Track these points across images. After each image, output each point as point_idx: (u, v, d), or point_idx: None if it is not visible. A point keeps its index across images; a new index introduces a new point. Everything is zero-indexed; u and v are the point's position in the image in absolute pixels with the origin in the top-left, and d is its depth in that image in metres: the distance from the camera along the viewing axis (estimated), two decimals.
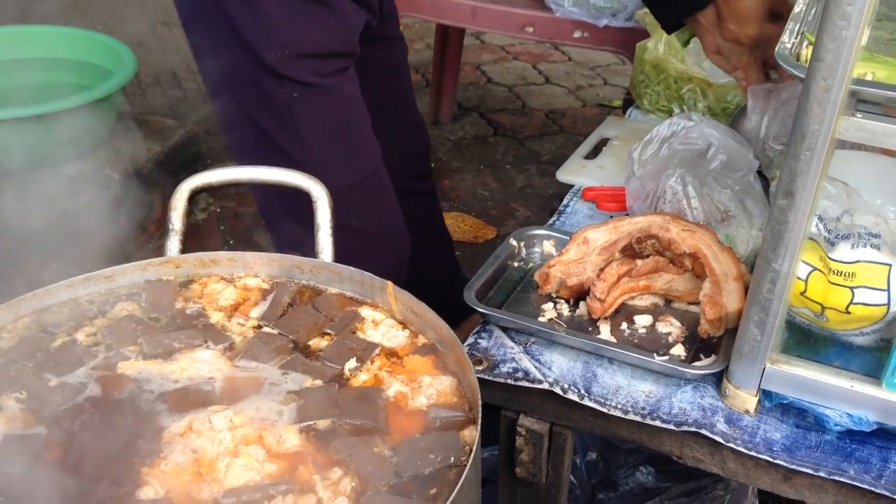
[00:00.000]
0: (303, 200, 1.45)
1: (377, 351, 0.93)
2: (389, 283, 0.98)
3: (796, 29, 1.09)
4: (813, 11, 1.18)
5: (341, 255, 1.64)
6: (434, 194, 2.10)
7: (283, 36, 1.46)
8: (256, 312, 0.99)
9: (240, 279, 1.03)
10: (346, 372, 0.91)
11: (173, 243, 1.04)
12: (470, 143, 3.51)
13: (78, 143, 2.57)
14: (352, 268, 1.00)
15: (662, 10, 1.60)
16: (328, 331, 0.96)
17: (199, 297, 1.01)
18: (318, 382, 0.89)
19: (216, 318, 0.98)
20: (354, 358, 0.91)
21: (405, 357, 0.93)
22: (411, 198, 1.93)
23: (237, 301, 1.00)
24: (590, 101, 3.94)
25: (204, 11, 1.53)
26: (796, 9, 1.16)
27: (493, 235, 2.96)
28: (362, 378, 0.90)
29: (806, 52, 1.07)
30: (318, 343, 0.95)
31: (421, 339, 0.96)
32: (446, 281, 2.14)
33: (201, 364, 0.89)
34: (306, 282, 1.03)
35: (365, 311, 0.99)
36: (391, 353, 0.94)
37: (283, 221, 1.64)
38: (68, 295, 0.99)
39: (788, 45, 1.05)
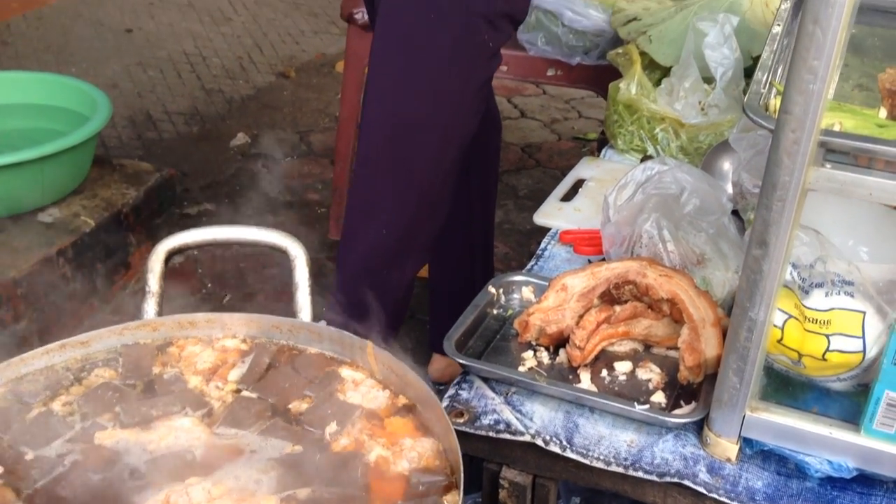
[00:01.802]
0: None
1: (358, 413, 0.92)
2: (369, 343, 0.97)
3: (764, 79, 1.11)
4: (780, 60, 1.20)
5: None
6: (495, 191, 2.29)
7: None
8: (235, 375, 0.98)
9: (218, 341, 1.03)
10: (327, 436, 0.90)
11: (150, 306, 1.03)
12: None
13: (53, 190, 2.56)
14: (331, 328, 1.00)
15: None
16: (308, 393, 0.96)
17: (177, 361, 1.00)
18: (299, 448, 0.88)
19: (194, 382, 0.97)
20: (335, 422, 0.91)
21: (386, 419, 0.92)
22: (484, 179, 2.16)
23: (215, 364, 0.99)
24: (565, 134, 3.97)
25: None
26: (764, 55, 1.18)
27: None
28: (343, 442, 0.90)
29: (774, 102, 1.09)
30: (298, 406, 0.94)
31: (401, 400, 0.95)
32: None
33: (179, 433, 0.88)
34: (285, 342, 1.03)
35: (345, 372, 0.98)
36: (372, 415, 0.93)
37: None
38: (44, 362, 0.98)
39: (757, 95, 1.07)
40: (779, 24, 1.30)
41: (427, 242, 1.88)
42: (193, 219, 3.22)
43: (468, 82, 1.73)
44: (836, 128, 0.99)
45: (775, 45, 1.19)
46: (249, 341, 1.03)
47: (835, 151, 0.97)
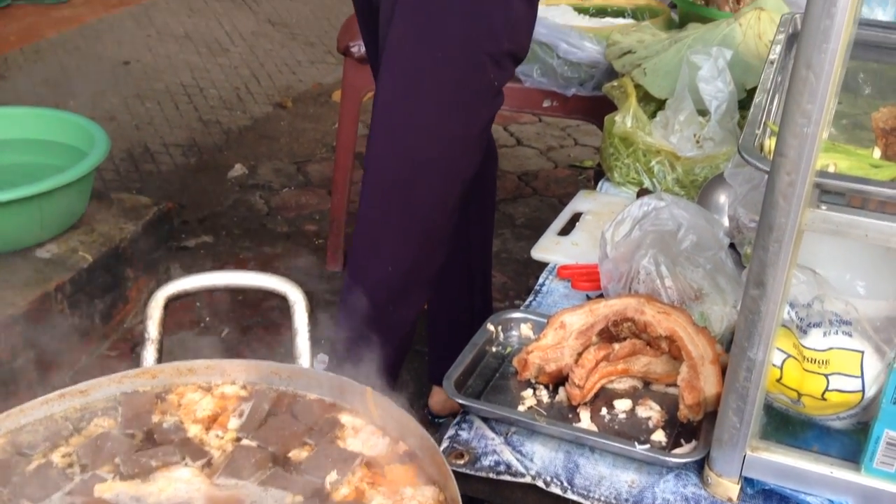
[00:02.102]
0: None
1: (358, 461, 0.92)
2: (368, 388, 0.97)
3: (759, 119, 1.12)
4: (775, 100, 1.21)
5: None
6: (493, 217, 2.31)
7: (516, 34, 1.71)
8: (235, 423, 0.98)
9: (217, 387, 1.02)
10: (327, 486, 0.90)
11: (149, 353, 1.03)
12: None
13: (51, 225, 2.56)
14: (330, 374, 1.00)
15: None
16: (308, 440, 0.96)
17: (177, 409, 1.00)
18: (299, 498, 0.88)
19: (194, 431, 0.97)
20: (335, 470, 0.90)
21: (386, 466, 0.92)
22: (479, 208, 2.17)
23: (215, 411, 0.99)
24: (561, 162, 3.99)
25: None
26: (757, 98, 1.19)
27: None
28: (343, 492, 0.89)
29: (769, 143, 1.09)
30: (298, 454, 0.94)
31: (401, 446, 0.95)
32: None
33: (179, 484, 0.88)
34: (284, 388, 1.03)
35: (345, 418, 0.98)
36: (372, 463, 0.93)
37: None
38: (43, 412, 0.98)
39: (752, 136, 1.08)
40: (772, 62, 1.31)
41: (431, 278, 1.89)
42: (192, 251, 3.22)
43: (474, 121, 1.74)
44: (831, 169, 1.00)
45: (769, 84, 1.20)
46: (249, 387, 1.03)
47: (830, 193, 0.98)
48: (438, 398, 2.41)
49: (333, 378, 1.00)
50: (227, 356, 2.69)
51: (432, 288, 1.94)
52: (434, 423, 2.43)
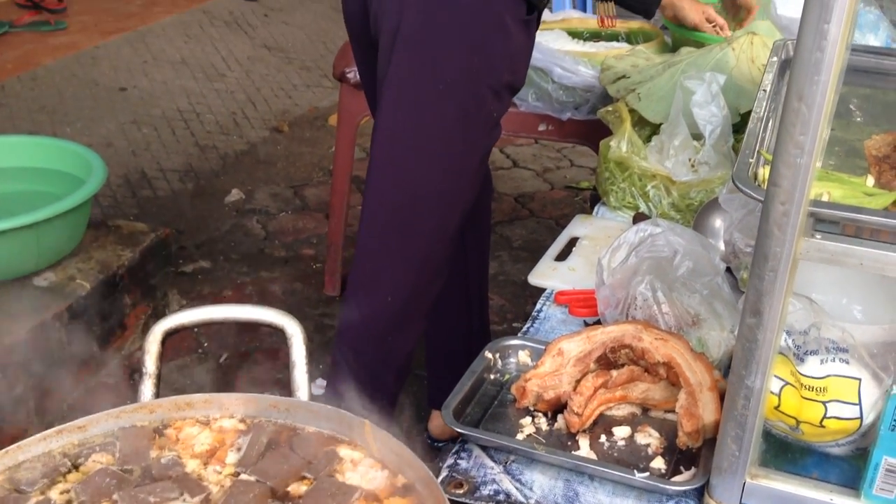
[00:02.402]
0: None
1: (357, 495, 0.92)
2: (366, 421, 0.97)
3: (752, 147, 1.13)
4: (768, 128, 1.22)
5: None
6: (488, 247, 2.34)
7: (515, 65, 1.74)
8: (233, 458, 0.98)
9: (215, 421, 1.02)
10: None
11: (147, 387, 1.03)
12: None
13: (48, 254, 2.56)
14: (328, 406, 1.00)
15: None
16: (307, 474, 0.95)
17: (175, 444, 1.00)
18: None
19: (192, 466, 0.96)
20: None
21: (385, 500, 0.92)
22: (476, 235, 2.21)
23: (213, 446, 0.99)
24: (558, 183, 4.00)
25: (461, 28, 1.68)
26: (750, 126, 1.20)
27: None
28: None
29: (763, 171, 1.10)
30: (296, 489, 0.94)
31: (400, 479, 0.95)
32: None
33: None
34: (283, 421, 1.03)
35: (343, 451, 0.98)
36: (371, 496, 0.93)
37: None
38: (41, 449, 0.97)
39: (745, 165, 1.09)
40: (764, 90, 1.32)
41: (429, 306, 1.89)
42: (190, 277, 3.23)
43: (473, 152, 1.76)
44: (825, 198, 1.00)
45: (762, 112, 1.21)
46: (247, 421, 1.03)
47: (824, 221, 0.99)
48: (438, 422, 2.41)
49: (332, 411, 1.00)
50: (226, 382, 2.70)
51: (430, 315, 1.95)
52: (434, 447, 2.42)
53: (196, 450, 0.98)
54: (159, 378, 1.04)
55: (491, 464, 1.24)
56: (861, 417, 1.05)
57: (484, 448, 1.27)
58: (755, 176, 1.08)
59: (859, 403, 1.05)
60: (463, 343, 2.27)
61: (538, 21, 1.79)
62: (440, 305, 2.16)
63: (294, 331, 1.04)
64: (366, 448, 0.98)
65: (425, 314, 1.89)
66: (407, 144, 1.72)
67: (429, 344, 2.34)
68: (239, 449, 0.99)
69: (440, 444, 2.41)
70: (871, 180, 1.06)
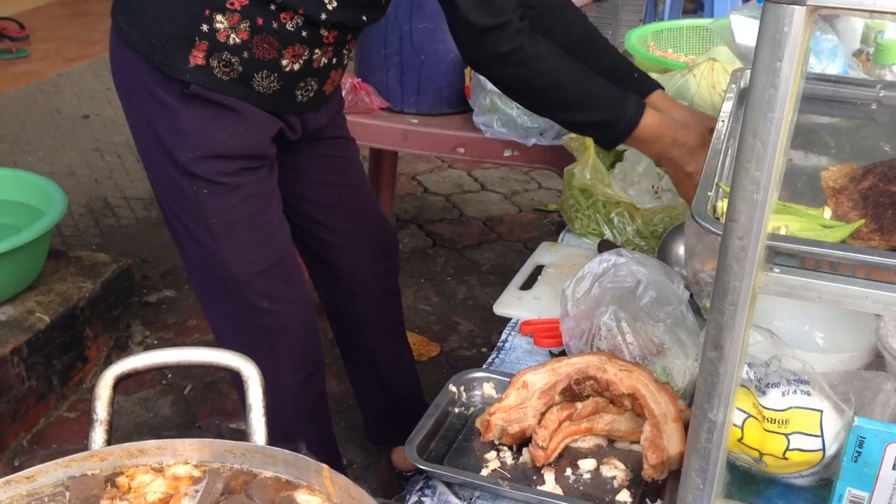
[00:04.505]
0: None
1: None
2: (325, 466, 0.95)
3: (711, 181, 1.13)
4: (728, 157, 1.22)
5: (258, 336, 1.78)
6: (399, 296, 2.19)
7: (194, 139, 1.60)
8: None
9: (169, 468, 1.00)
10: None
11: (98, 434, 1.00)
12: (409, 257, 3.52)
13: (6, 287, 2.51)
14: (286, 451, 0.98)
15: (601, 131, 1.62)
16: None
17: (127, 492, 0.97)
18: None
19: None
20: None
21: None
22: (375, 295, 2.10)
23: (167, 493, 0.96)
24: (525, 206, 4.00)
25: (132, 110, 1.68)
26: (709, 157, 1.20)
27: (437, 352, 2.94)
28: None
29: (722, 204, 1.10)
30: None
31: None
32: (409, 392, 2.26)
33: None
34: (239, 466, 1.00)
35: (301, 497, 0.96)
36: None
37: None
38: None
39: (704, 199, 1.09)
40: (723, 120, 1.32)
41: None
42: (153, 307, 3.18)
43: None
44: (783, 231, 1.00)
45: (719, 144, 1.22)
46: (202, 467, 1.00)
47: (782, 255, 0.98)
48: (400, 455, 2.38)
49: (289, 455, 0.97)
50: (191, 414, 2.64)
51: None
52: (403, 479, 2.40)
53: (149, 498, 0.95)
54: (111, 424, 1.01)
55: (455, 501, 1.23)
56: (823, 449, 1.05)
57: (449, 484, 1.25)
58: (714, 209, 1.07)
59: (821, 435, 1.04)
60: (393, 377, 2.24)
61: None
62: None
63: (250, 373, 1.02)
64: (324, 493, 0.96)
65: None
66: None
67: (354, 382, 2.30)
68: (194, 495, 0.97)
69: (407, 475, 2.39)
70: (828, 212, 1.07)
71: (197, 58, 1.55)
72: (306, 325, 1.84)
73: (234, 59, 1.56)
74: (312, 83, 1.68)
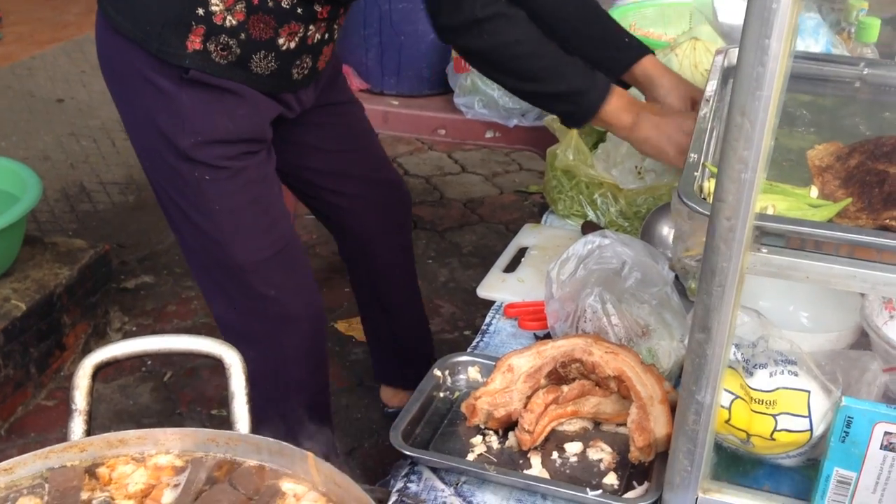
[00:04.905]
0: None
1: None
2: (310, 454, 0.94)
3: (698, 160, 1.12)
4: (714, 137, 1.21)
5: (264, 328, 1.75)
6: (411, 251, 2.23)
7: (194, 125, 1.58)
8: (169, 497, 0.93)
9: (150, 458, 0.98)
10: None
11: (77, 425, 0.98)
12: None
13: None
14: (270, 439, 0.96)
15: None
16: None
17: (108, 483, 0.95)
18: None
19: None
20: None
21: None
22: (388, 251, 2.14)
23: (148, 485, 0.94)
24: (507, 187, 3.99)
25: (126, 99, 1.65)
26: (694, 137, 1.19)
27: None
28: None
29: (709, 185, 1.09)
30: None
31: None
32: (416, 334, 2.32)
33: None
34: (223, 455, 0.98)
35: (286, 485, 0.95)
36: None
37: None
38: None
39: (691, 179, 1.07)
40: (707, 99, 1.31)
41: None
42: (132, 293, 3.14)
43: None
44: (770, 211, 0.99)
45: (706, 124, 1.20)
46: (185, 456, 0.99)
47: (770, 235, 0.98)
48: (388, 394, 2.47)
49: (273, 443, 0.96)
50: (171, 401, 2.62)
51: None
52: (388, 415, 2.46)
53: (130, 490, 0.94)
54: (90, 414, 0.99)
55: (441, 486, 1.21)
56: (811, 429, 1.05)
57: (434, 469, 1.24)
58: (700, 189, 1.06)
59: (809, 416, 1.04)
60: (403, 322, 2.28)
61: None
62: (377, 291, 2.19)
63: (232, 360, 1.00)
64: (309, 481, 0.95)
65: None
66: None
67: (363, 317, 2.33)
68: (176, 486, 0.95)
69: (390, 411, 2.45)
70: (814, 191, 1.06)
71: (194, 42, 1.53)
72: (311, 317, 1.83)
73: (231, 42, 1.54)
74: (307, 60, 1.67)
